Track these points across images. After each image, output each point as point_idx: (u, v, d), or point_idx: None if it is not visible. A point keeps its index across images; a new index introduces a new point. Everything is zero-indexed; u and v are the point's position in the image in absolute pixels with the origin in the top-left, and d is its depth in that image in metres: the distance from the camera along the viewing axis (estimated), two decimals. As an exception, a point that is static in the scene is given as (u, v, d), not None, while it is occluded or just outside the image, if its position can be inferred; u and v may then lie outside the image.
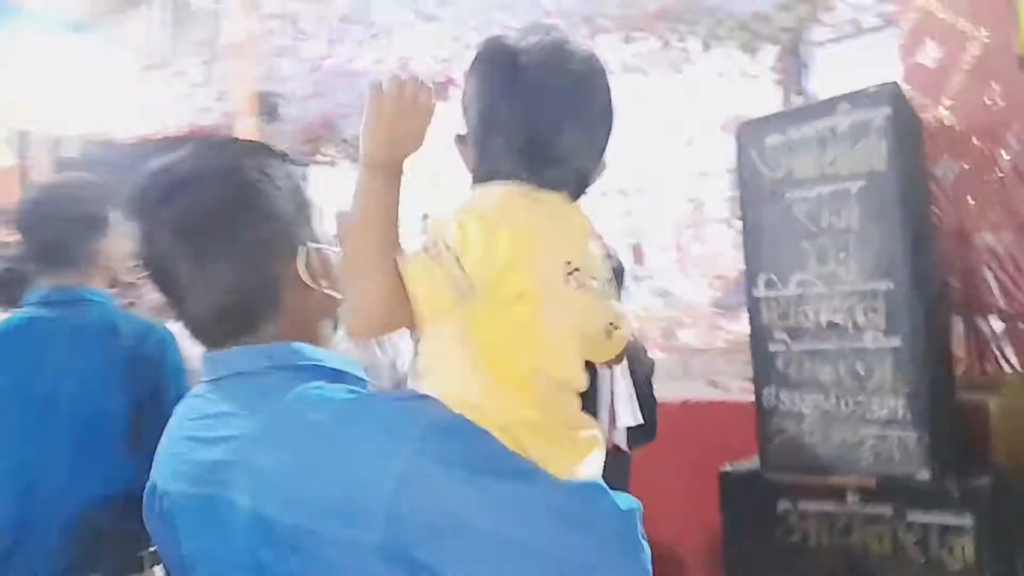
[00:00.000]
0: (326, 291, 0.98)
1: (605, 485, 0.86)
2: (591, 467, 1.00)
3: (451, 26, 4.85)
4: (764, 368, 2.63)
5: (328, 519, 0.76)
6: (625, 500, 0.85)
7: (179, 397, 1.01)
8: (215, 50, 5.35)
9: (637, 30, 4.94)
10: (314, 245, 0.98)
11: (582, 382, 1.06)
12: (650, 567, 0.83)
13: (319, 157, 7.19)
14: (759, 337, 2.67)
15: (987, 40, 2.75)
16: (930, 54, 2.90)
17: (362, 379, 0.97)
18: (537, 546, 0.76)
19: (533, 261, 0.97)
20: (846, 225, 2.47)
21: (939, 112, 2.86)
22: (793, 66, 4.81)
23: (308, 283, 0.96)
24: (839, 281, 2.47)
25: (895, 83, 2.52)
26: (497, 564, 0.75)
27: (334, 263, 1.00)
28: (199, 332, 0.96)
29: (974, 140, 2.72)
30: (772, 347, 2.62)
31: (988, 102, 2.73)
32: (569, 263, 1.02)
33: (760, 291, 2.65)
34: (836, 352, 2.48)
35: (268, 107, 5.06)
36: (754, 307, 2.68)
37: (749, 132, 2.73)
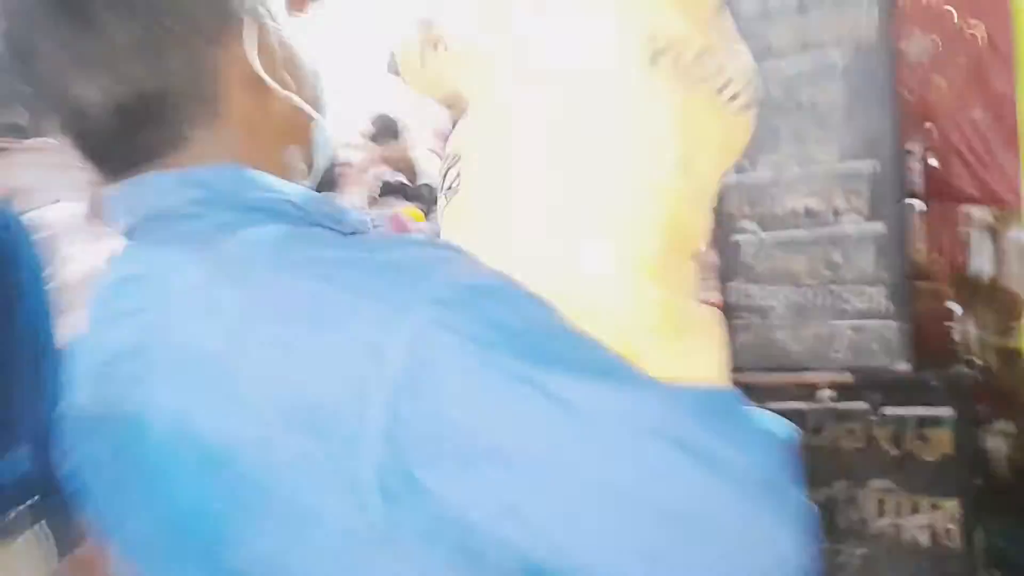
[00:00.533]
0: (291, 97, 0.61)
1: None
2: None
3: None
4: (730, 260, 2.42)
5: (290, 432, 0.47)
6: (777, 423, 0.54)
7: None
8: None
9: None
10: (269, 20, 0.59)
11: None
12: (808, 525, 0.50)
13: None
14: (724, 226, 2.44)
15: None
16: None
17: (357, 231, 0.62)
18: (629, 489, 0.46)
19: None
20: (829, 100, 2.23)
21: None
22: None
23: (262, 76, 0.59)
24: (816, 162, 2.26)
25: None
26: (561, 508, 0.46)
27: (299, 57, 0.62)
28: (92, 148, 0.59)
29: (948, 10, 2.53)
30: (738, 237, 2.40)
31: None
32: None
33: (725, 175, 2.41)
34: (811, 240, 2.29)
35: None
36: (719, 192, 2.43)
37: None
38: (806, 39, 2.24)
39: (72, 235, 1.98)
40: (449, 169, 0.75)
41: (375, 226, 0.69)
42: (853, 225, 2.19)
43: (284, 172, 0.62)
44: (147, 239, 0.58)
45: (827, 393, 2.23)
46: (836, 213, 2.23)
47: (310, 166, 0.67)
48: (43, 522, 1.37)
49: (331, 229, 0.59)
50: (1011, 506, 2.18)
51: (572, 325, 0.52)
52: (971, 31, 2.49)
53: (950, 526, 2.09)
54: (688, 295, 0.74)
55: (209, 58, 0.57)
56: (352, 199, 3.30)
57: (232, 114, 0.59)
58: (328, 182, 3.33)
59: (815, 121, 2.25)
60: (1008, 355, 2.33)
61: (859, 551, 2.22)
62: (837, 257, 2.24)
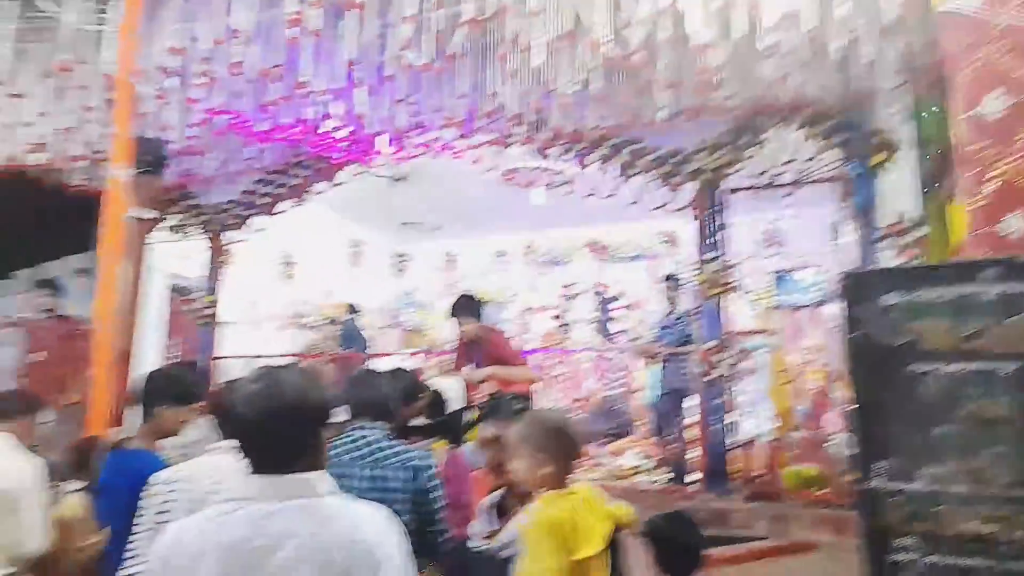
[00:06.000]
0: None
1: None
2: None
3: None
4: (885, 582, 2.11)
5: None
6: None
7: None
8: (78, 79, 4.13)
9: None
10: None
11: None
12: None
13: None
14: (876, 540, 2.15)
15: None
16: None
17: None
18: None
19: None
20: (994, 414, 2.03)
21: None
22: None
23: None
24: (990, 482, 2.00)
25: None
26: None
27: None
28: None
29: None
30: (896, 556, 2.10)
31: None
32: None
33: (880, 482, 2.17)
34: (986, 572, 1.97)
35: (153, 158, 4.16)
36: (870, 501, 2.18)
37: (858, 286, 2.34)
38: (961, 344, 2.09)
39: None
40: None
41: None
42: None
43: None
44: None
45: None
46: (1018, 545, 1.93)
47: None
48: None
49: None
50: None
51: None
52: None
53: None
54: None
55: None
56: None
57: None
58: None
59: (983, 434, 2.03)
60: None
61: None
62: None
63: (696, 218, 5.27)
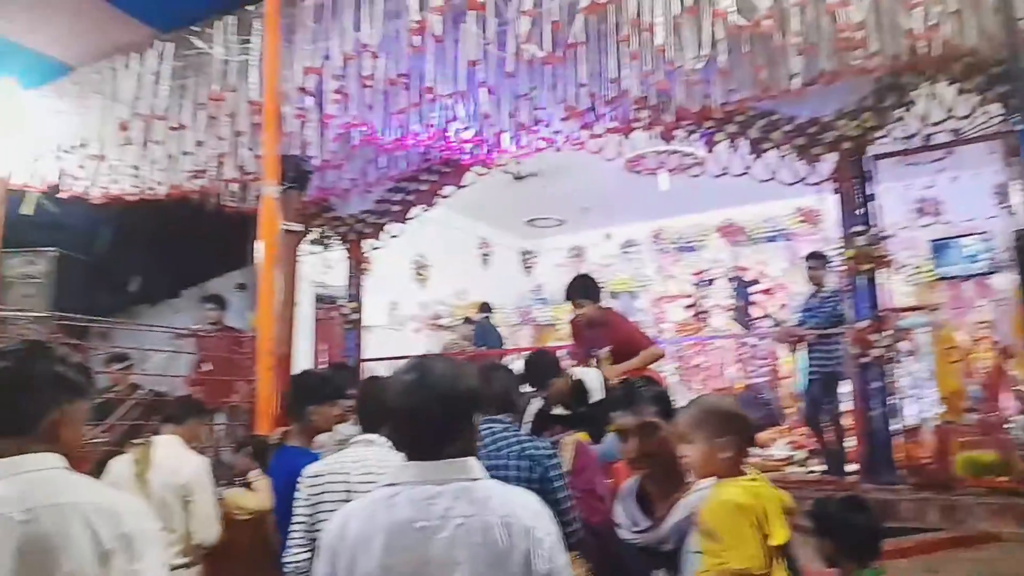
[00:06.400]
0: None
1: None
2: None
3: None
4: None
5: None
6: None
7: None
8: (228, 107, 4.46)
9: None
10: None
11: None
12: None
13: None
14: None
15: None
16: None
17: None
18: None
19: None
20: None
21: None
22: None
23: None
24: None
25: None
26: None
27: None
28: None
29: None
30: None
31: None
32: None
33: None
34: None
35: (296, 174, 4.24)
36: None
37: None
38: None
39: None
40: None
41: None
42: None
43: None
44: None
45: None
46: None
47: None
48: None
49: None
50: None
51: None
52: None
53: None
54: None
55: None
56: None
57: None
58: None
59: None
60: None
61: None
62: None
63: (838, 190, 4.95)
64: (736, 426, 1.80)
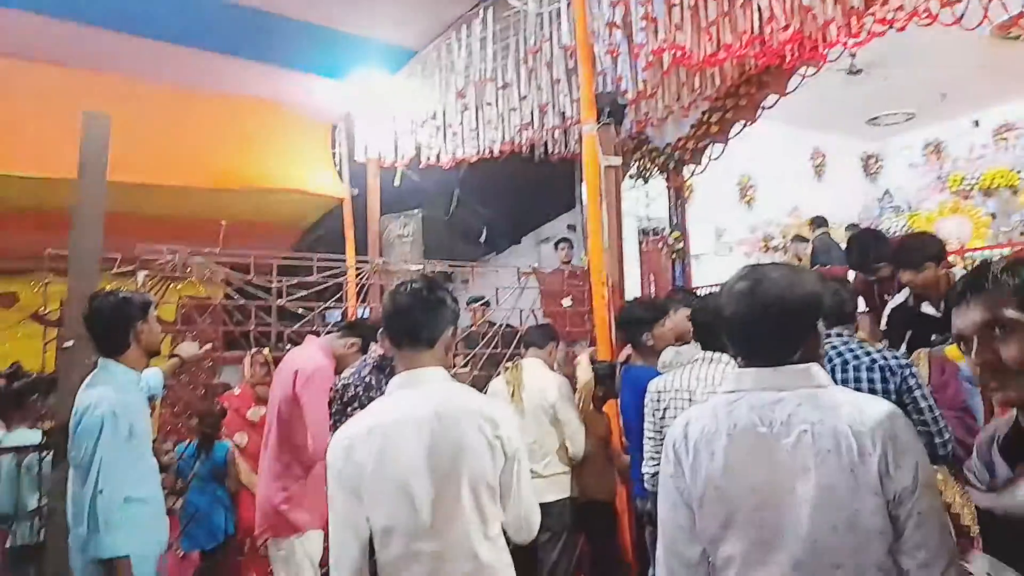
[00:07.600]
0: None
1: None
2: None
3: None
4: None
5: None
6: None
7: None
8: (544, 57, 4.67)
9: None
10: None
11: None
12: None
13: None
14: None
15: None
16: None
17: None
18: None
19: None
20: None
21: None
22: None
23: None
24: None
25: None
26: None
27: None
28: None
29: None
30: None
31: None
32: None
33: None
34: None
35: (612, 108, 4.05)
36: None
37: None
38: None
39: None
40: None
41: None
42: None
43: None
44: None
45: None
46: None
47: None
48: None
49: None
50: None
51: None
52: None
53: None
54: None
55: None
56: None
57: None
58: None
59: None
60: None
61: None
62: None
63: None
64: None
